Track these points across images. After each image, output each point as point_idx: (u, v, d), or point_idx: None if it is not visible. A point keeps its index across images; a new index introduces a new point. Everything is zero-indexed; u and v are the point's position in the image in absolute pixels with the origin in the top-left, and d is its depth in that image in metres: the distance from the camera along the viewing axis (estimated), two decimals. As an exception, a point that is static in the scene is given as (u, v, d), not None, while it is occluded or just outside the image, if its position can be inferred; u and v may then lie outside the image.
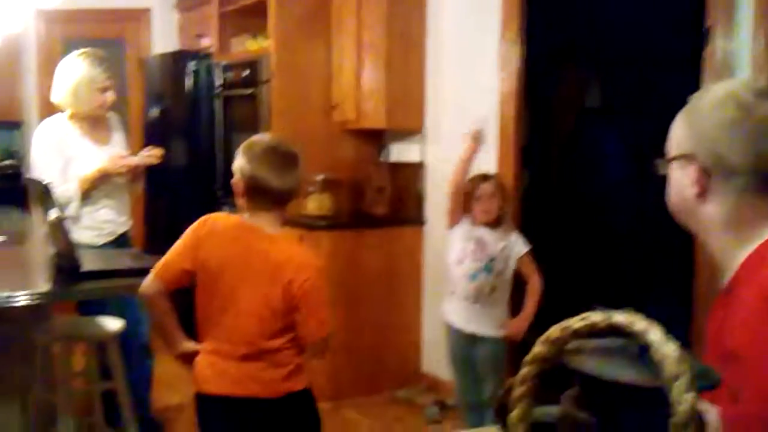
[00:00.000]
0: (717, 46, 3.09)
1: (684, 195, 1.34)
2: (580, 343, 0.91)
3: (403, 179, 4.62)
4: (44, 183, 2.89)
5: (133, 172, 3.81)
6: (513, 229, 3.54)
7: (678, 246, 3.55)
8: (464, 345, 3.53)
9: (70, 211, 3.60)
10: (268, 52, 4.74)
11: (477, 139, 3.54)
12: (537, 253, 3.53)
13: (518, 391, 0.91)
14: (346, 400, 4.37)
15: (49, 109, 6.43)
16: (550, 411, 0.94)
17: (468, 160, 3.54)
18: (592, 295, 1.69)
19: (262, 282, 2.25)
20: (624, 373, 0.83)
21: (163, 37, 6.46)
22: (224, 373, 2.29)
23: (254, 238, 2.30)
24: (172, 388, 4.03)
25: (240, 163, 2.30)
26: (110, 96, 3.70)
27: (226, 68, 5.20)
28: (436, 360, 4.49)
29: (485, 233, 3.48)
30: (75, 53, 3.72)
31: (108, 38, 6.54)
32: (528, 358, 0.92)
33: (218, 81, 5.29)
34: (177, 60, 5.52)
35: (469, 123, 3.54)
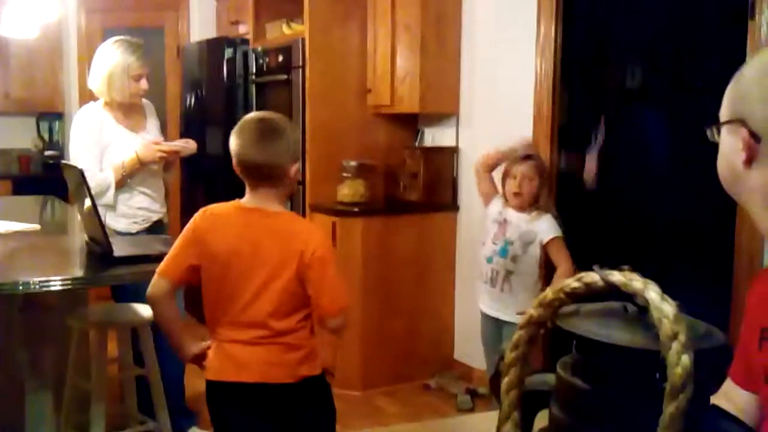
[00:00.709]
0: (762, 19, 2.99)
1: (732, 162, 1.28)
2: (576, 306, 0.85)
3: (437, 164, 4.56)
4: (80, 170, 2.89)
5: (167, 160, 3.83)
6: (547, 213, 3.42)
7: (717, 228, 3.44)
8: (492, 328, 3.47)
9: (106, 199, 3.65)
10: (302, 36, 4.71)
11: (509, 154, 3.50)
12: (572, 237, 3.44)
13: (510, 356, 0.86)
14: (377, 389, 4.34)
15: (89, 100, 6.60)
16: (546, 378, 0.88)
17: (492, 164, 3.50)
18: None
19: (272, 260, 2.21)
20: (620, 334, 0.78)
21: (202, 25, 6.48)
22: (236, 360, 2.25)
23: (256, 219, 2.26)
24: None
25: (230, 143, 2.28)
26: (144, 84, 3.70)
27: (262, 54, 5.19)
28: (468, 348, 4.44)
29: (513, 215, 3.41)
30: (110, 41, 3.74)
31: (148, 27, 6.59)
32: (521, 321, 0.87)
33: (253, 67, 5.29)
34: (213, 47, 5.54)
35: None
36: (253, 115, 2.35)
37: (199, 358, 2.36)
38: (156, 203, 3.84)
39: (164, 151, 3.73)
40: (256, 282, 2.22)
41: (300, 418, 2.32)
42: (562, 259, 3.35)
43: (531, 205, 3.41)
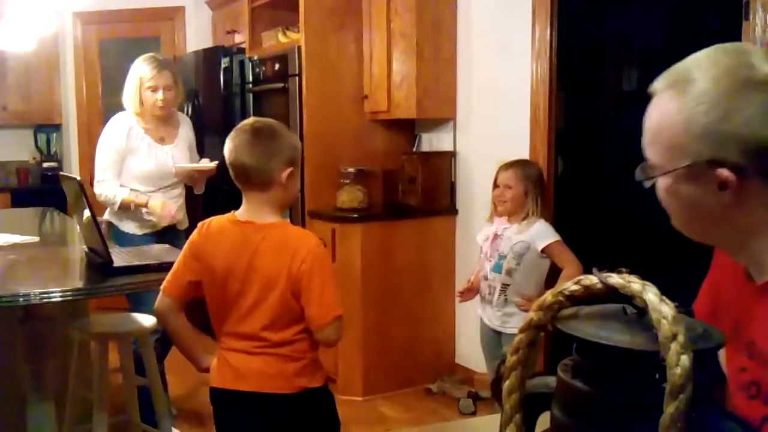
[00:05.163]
0: (756, 19, 3.00)
1: (705, 208, 1.11)
2: (576, 308, 0.86)
3: (435, 169, 4.57)
4: (79, 181, 2.90)
5: (188, 178, 3.93)
6: (538, 219, 3.39)
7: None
8: (492, 337, 3.47)
9: (112, 209, 3.78)
10: (298, 44, 4.72)
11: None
12: (572, 242, 3.44)
13: (511, 359, 0.86)
14: (378, 394, 4.34)
15: (87, 111, 6.62)
16: (547, 381, 0.89)
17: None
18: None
19: (265, 275, 2.19)
20: (620, 336, 0.78)
21: (197, 34, 6.50)
22: (235, 368, 2.25)
23: (249, 233, 2.23)
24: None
25: (224, 150, 2.27)
26: (161, 95, 3.73)
27: (258, 63, 5.20)
28: (469, 352, 4.44)
29: (502, 229, 3.41)
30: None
31: (144, 37, 6.61)
32: (522, 325, 0.88)
33: (250, 76, 5.30)
34: (210, 57, 5.55)
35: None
36: (248, 119, 2.34)
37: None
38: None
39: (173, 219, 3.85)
40: (251, 297, 2.20)
41: (300, 430, 2.30)
42: (566, 262, 3.31)
43: (517, 211, 3.40)
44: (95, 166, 3.83)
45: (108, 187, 3.74)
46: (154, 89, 3.73)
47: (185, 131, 3.98)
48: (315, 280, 2.18)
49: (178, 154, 3.88)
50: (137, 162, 3.76)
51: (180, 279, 2.29)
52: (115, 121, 3.81)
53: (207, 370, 2.37)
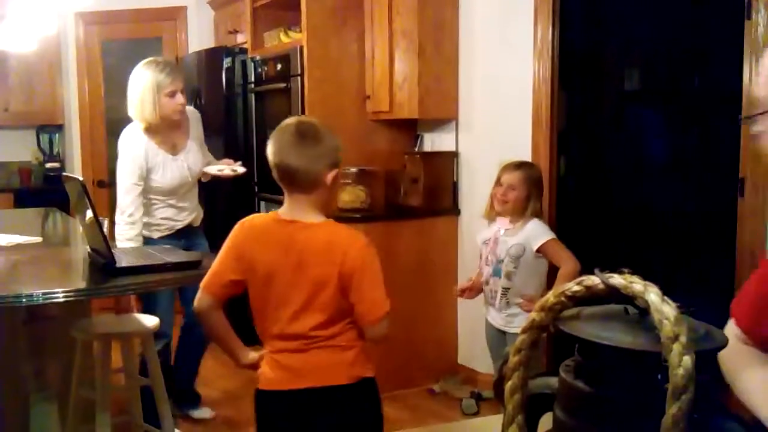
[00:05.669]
0: (758, 18, 3.00)
1: None
2: (578, 309, 0.86)
3: (437, 169, 4.57)
4: (82, 182, 2.90)
5: (213, 180, 3.94)
6: (532, 218, 3.38)
7: (717, 229, 3.45)
8: (497, 337, 3.47)
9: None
10: (300, 44, 4.72)
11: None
12: (573, 242, 3.43)
13: (513, 360, 0.86)
14: (381, 394, 4.30)
15: (89, 112, 6.63)
16: (549, 382, 0.89)
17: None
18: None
19: (313, 276, 2.16)
20: (622, 337, 0.78)
21: (199, 34, 6.51)
22: (289, 368, 2.22)
23: (294, 231, 2.20)
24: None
25: (267, 150, 2.24)
26: (180, 99, 3.67)
27: (260, 63, 5.21)
28: (472, 352, 4.44)
29: (500, 232, 3.41)
30: (139, 64, 3.70)
31: (146, 38, 6.63)
32: (524, 325, 0.88)
33: (252, 76, 5.30)
34: (212, 57, 5.56)
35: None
36: (290, 119, 2.28)
37: (254, 368, 2.34)
38: (183, 213, 3.87)
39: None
40: (300, 298, 2.18)
41: (353, 422, 2.26)
42: (562, 260, 3.30)
43: (517, 213, 3.39)
44: (119, 191, 3.69)
45: (127, 225, 3.63)
46: (173, 94, 3.64)
47: (194, 127, 3.91)
48: (365, 279, 2.18)
49: (192, 159, 3.83)
50: (155, 179, 3.71)
51: (221, 277, 2.26)
52: (133, 142, 3.68)
53: (248, 367, 2.35)
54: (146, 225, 3.74)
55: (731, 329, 1.38)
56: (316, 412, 2.23)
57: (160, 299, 3.69)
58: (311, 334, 2.19)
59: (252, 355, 2.35)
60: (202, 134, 4.02)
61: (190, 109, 3.94)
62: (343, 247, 2.18)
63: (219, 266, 2.27)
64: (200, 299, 2.28)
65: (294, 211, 2.24)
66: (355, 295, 2.18)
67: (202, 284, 2.28)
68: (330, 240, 2.20)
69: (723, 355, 1.43)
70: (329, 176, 2.20)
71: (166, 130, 3.72)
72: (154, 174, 3.69)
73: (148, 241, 3.72)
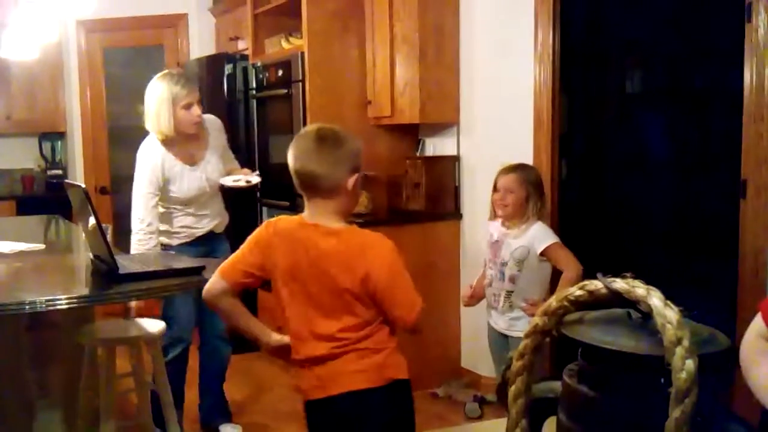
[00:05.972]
0: (759, 21, 3.00)
1: None
2: (581, 313, 0.86)
3: (439, 173, 4.58)
4: (84, 189, 2.90)
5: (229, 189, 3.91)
6: (535, 222, 3.35)
7: (720, 231, 3.44)
8: (499, 341, 3.47)
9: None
10: (301, 51, 4.73)
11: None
12: (575, 245, 3.43)
13: (516, 365, 0.87)
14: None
15: (91, 119, 6.64)
16: (552, 386, 0.89)
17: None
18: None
19: (339, 282, 2.14)
20: (625, 341, 0.79)
21: (201, 41, 6.52)
22: (320, 377, 2.21)
23: (318, 236, 2.18)
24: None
25: (288, 157, 2.22)
26: (196, 110, 3.64)
27: (261, 69, 5.22)
28: (475, 356, 4.44)
29: (502, 235, 3.40)
30: (155, 77, 3.69)
31: (147, 45, 6.64)
32: (527, 330, 0.88)
33: (253, 82, 5.31)
34: (213, 63, 5.56)
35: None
36: (310, 126, 2.27)
37: (280, 351, 2.32)
38: (203, 220, 3.82)
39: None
40: (327, 302, 2.17)
41: (388, 426, 2.24)
42: (565, 264, 3.28)
43: (517, 216, 3.38)
44: (135, 201, 3.66)
45: (145, 236, 3.61)
46: (189, 106, 3.60)
47: (214, 137, 3.85)
48: (396, 285, 2.17)
49: (210, 169, 3.78)
50: (173, 189, 3.68)
51: (238, 267, 2.25)
52: (151, 154, 3.66)
53: (276, 351, 2.34)
54: (165, 233, 3.71)
55: (757, 325, 1.41)
56: (352, 418, 2.21)
57: (178, 304, 3.69)
58: (339, 336, 2.17)
59: (275, 336, 2.33)
60: (225, 141, 3.97)
61: (211, 117, 3.89)
62: (368, 256, 2.15)
63: (239, 257, 2.26)
64: (213, 283, 2.26)
65: (315, 216, 2.21)
66: (389, 303, 2.17)
67: (219, 268, 2.27)
68: (355, 246, 2.18)
69: (744, 349, 1.47)
70: (350, 181, 2.17)
71: (183, 142, 3.69)
72: (171, 185, 3.67)
73: (167, 248, 3.70)
